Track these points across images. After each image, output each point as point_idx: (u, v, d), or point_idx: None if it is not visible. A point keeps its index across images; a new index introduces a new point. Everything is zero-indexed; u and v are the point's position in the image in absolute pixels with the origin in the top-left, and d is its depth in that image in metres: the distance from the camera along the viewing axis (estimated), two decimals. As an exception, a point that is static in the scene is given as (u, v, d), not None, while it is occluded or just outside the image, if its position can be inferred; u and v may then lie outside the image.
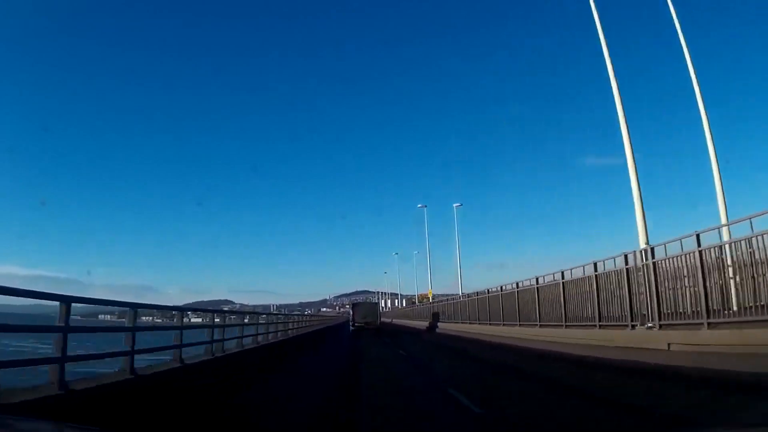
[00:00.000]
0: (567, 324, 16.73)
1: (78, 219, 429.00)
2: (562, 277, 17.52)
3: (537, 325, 19.42)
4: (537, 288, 19.73)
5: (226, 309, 34.08)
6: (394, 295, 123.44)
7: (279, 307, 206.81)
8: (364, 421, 6.86)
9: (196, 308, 15.25)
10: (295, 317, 29.24)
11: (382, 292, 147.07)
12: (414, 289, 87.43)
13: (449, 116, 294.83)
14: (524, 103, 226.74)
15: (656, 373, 9.51)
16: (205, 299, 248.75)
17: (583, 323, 15.76)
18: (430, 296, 60.72)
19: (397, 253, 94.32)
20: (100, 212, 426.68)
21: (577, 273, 16.55)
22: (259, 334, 15.10)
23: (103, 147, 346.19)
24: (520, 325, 21.50)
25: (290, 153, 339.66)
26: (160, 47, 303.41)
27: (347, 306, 76.43)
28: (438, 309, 41.52)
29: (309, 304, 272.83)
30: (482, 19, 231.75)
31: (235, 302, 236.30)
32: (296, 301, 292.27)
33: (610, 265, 14.51)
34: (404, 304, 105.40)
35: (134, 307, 7.42)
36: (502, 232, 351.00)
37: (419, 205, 57.36)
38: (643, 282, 12.50)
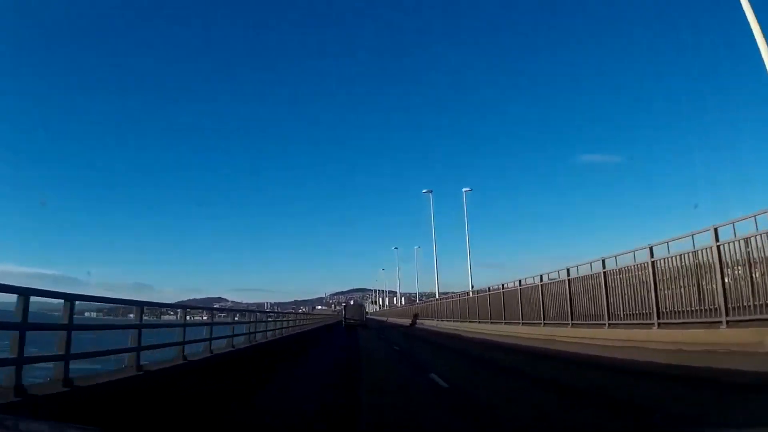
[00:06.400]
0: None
1: (76, 218, 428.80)
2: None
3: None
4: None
5: (216, 307, 34.60)
6: (392, 293, 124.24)
7: (273, 305, 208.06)
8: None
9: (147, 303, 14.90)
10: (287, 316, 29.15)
11: (379, 290, 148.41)
12: (413, 287, 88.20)
13: (447, 114, 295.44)
14: (522, 102, 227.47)
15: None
16: (200, 297, 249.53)
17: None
18: (418, 296, 67.27)
19: (396, 248, 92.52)
20: (98, 211, 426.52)
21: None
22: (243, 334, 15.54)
23: (103, 146, 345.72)
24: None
25: (286, 152, 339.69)
26: (160, 48, 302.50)
27: (343, 304, 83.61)
28: (418, 309, 52.61)
29: (304, 302, 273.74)
30: (483, 14, 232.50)
31: (229, 300, 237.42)
32: (291, 299, 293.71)
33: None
34: (403, 302, 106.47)
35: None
36: (501, 231, 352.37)
37: (424, 191, 52.30)
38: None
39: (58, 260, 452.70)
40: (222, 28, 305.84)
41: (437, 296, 48.32)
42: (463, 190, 46.02)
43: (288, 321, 27.81)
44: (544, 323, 18.49)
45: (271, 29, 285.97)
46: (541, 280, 19.29)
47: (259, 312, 23.98)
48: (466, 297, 32.72)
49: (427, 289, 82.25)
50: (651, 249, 11.92)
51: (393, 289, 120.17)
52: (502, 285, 24.64)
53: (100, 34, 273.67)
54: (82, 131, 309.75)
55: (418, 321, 47.83)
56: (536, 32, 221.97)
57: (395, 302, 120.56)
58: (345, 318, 49.66)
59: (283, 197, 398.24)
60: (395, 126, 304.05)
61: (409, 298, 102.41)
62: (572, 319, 16.13)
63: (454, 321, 34.08)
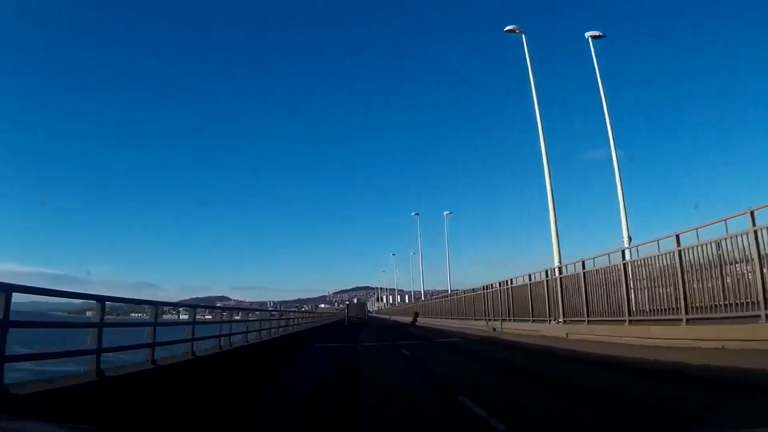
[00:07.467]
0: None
1: (79, 217, 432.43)
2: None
3: (451, 317, 34.25)
4: (471, 296, 31.07)
5: (218, 305, 34.87)
6: (399, 291, 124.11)
7: (276, 303, 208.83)
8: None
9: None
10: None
11: (382, 288, 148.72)
12: (415, 285, 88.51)
13: (449, 113, 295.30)
14: (522, 101, 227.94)
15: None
16: (203, 296, 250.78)
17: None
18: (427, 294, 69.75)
19: (394, 254, 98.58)
20: (98, 211, 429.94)
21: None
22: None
23: (103, 146, 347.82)
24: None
25: (286, 152, 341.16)
26: (160, 48, 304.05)
27: (347, 302, 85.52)
28: (418, 308, 56.05)
29: (307, 301, 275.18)
30: (485, 14, 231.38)
31: (231, 299, 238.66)
32: (294, 298, 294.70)
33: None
34: (407, 300, 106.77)
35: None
36: (505, 229, 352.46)
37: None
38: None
39: (59, 260, 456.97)
40: (222, 28, 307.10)
41: (422, 297, 55.38)
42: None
43: (289, 320, 27.63)
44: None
45: (271, 29, 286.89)
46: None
47: (254, 310, 23.70)
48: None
49: (439, 286, 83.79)
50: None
51: (395, 287, 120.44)
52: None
53: (100, 34, 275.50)
54: (82, 131, 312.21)
55: (419, 319, 49.34)
56: (536, 32, 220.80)
57: (400, 300, 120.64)
58: (347, 316, 52.37)
59: (285, 197, 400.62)
60: (395, 125, 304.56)
61: (412, 296, 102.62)
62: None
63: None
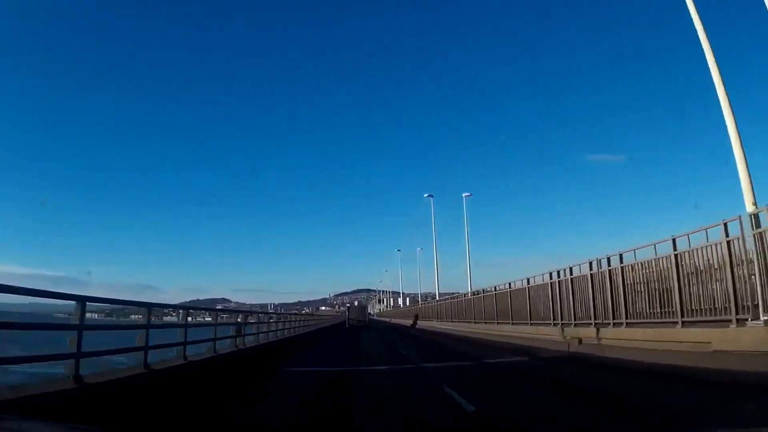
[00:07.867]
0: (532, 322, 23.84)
1: (78, 218, 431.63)
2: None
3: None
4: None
5: (219, 308, 34.91)
6: (403, 295, 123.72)
7: (277, 306, 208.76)
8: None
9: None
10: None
11: (384, 291, 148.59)
12: (417, 287, 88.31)
13: (450, 114, 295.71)
14: (526, 100, 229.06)
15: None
16: (203, 297, 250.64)
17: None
18: (437, 296, 69.54)
19: (399, 250, 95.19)
20: (98, 211, 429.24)
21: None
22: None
23: (103, 146, 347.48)
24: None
25: (286, 152, 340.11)
26: (160, 48, 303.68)
27: (347, 305, 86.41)
28: (419, 311, 55.75)
29: (308, 303, 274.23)
30: (486, 14, 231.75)
31: (232, 301, 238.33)
32: (295, 300, 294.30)
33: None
34: (408, 303, 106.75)
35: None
36: (505, 230, 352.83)
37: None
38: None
39: (59, 260, 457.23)
40: (222, 28, 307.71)
41: (437, 297, 53.35)
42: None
43: (286, 323, 26.84)
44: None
45: (271, 29, 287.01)
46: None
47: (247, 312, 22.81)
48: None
49: (441, 289, 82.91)
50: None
51: (397, 290, 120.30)
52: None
53: (100, 34, 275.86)
54: (82, 131, 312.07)
55: (419, 321, 49.40)
56: (537, 33, 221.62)
57: (400, 302, 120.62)
58: (348, 318, 53.29)
59: (285, 197, 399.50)
60: (395, 126, 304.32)
61: (415, 299, 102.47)
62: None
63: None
